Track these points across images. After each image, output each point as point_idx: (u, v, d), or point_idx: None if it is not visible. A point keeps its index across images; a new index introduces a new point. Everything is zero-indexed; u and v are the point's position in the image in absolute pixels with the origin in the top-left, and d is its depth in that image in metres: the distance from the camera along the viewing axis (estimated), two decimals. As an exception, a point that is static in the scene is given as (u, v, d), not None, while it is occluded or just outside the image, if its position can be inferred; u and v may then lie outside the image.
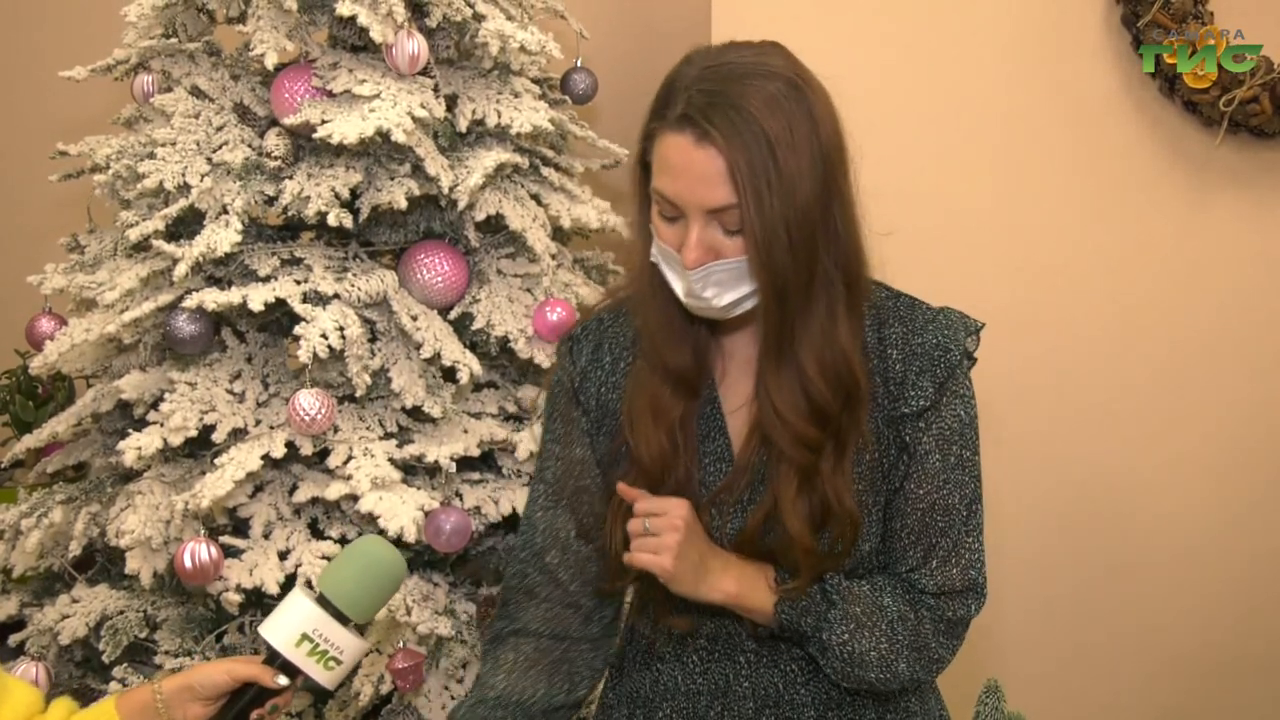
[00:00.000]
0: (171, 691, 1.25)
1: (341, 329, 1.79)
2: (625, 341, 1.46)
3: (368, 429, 1.90)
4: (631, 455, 1.40)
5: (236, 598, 1.79)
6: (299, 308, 1.80)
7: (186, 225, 1.87)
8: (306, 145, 1.91)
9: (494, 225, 2.00)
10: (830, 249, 1.29)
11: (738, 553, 1.39)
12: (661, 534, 1.32)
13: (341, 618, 1.27)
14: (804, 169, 1.25)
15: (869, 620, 1.35)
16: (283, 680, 1.26)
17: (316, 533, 1.89)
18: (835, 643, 1.35)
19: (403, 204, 1.86)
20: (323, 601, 1.28)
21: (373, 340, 1.90)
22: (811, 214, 1.26)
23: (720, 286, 1.30)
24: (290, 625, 1.26)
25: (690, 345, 1.39)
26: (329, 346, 1.77)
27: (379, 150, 1.88)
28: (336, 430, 1.86)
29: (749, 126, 1.23)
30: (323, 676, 1.27)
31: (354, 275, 1.89)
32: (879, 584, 1.38)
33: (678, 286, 1.32)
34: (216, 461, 1.79)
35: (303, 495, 1.85)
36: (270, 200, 1.89)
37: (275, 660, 1.27)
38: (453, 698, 1.93)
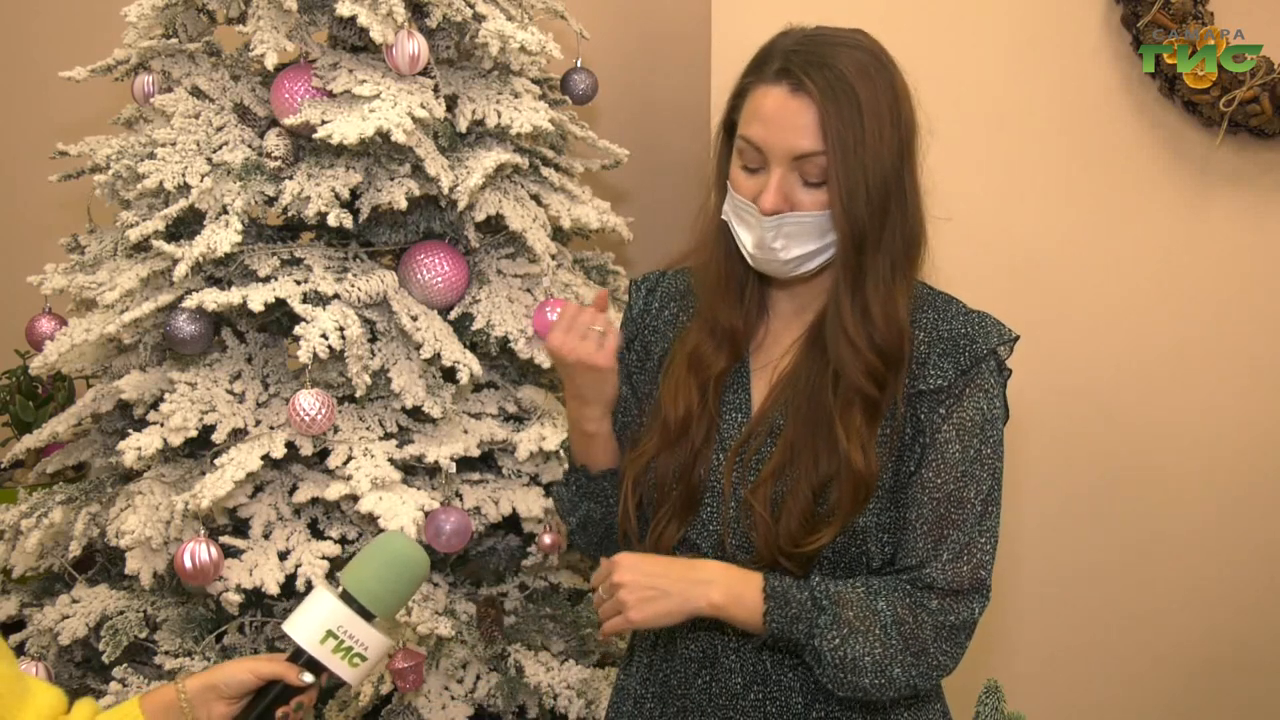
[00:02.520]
0: (196, 690, 1.24)
1: (341, 329, 1.79)
2: (674, 294, 1.54)
3: (368, 429, 1.90)
4: (659, 409, 1.47)
5: (236, 598, 1.79)
6: (299, 308, 1.80)
7: (186, 225, 1.87)
8: (306, 145, 1.91)
9: (494, 225, 2.00)
10: (900, 215, 1.37)
11: (748, 504, 1.39)
12: (613, 594, 1.37)
13: (366, 614, 1.27)
14: (885, 135, 1.34)
15: (862, 625, 1.35)
16: (308, 677, 1.25)
17: (316, 533, 1.89)
18: (827, 649, 1.35)
19: (403, 204, 1.86)
20: (346, 598, 1.27)
21: (373, 340, 1.90)
22: (889, 177, 1.35)
23: (789, 239, 1.36)
24: (315, 622, 1.26)
25: (741, 306, 1.46)
26: (329, 347, 1.77)
27: (379, 150, 1.88)
28: (336, 430, 1.86)
29: (842, 85, 1.32)
30: (348, 673, 1.26)
31: (354, 275, 1.89)
32: (874, 587, 1.37)
33: (748, 239, 1.39)
34: (216, 462, 1.80)
35: (303, 495, 1.85)
36: (270, 200, 1.89)
37: (300, 657, 1.26)
38: (453, 698, 1.93)
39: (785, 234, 1.36)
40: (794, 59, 1.34)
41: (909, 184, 1.39)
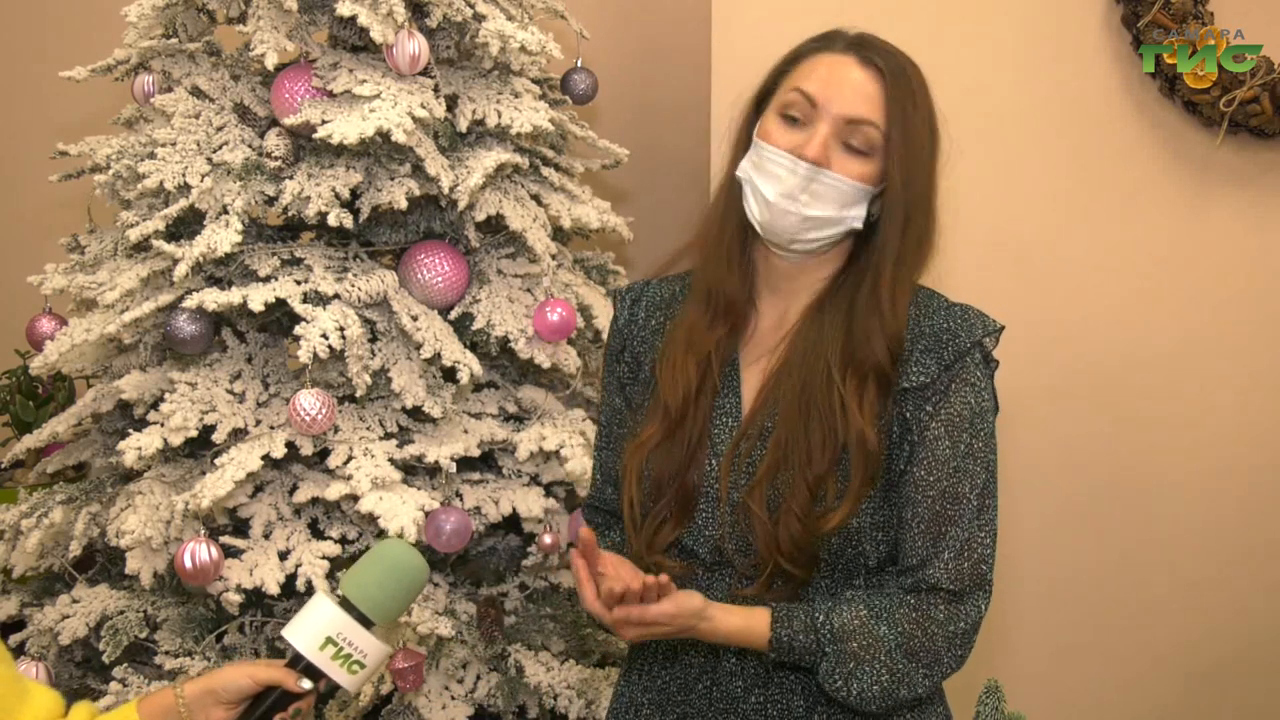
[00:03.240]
0: (194, 695, 1.25)
1: (341, 329, 1.79)
2: (660, 302, 1.55)
3: (368, 429, 1.90)
4: (658, 398, 1.46)
5: (236, 598, 1.79)
6: (299, 308, 1.80)
7: (187, 225, 1.87)
8: (306, 145, 1.91)
9: (494, 225, 2.00)
10: (926, 210, 1.41)
11: (745, 506, 1.39)
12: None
13: (365, 621, 1.27)
14: (926, 130, 1.40)
15: (867, 654, 1.35)
16: (306, 684, 1.26)
17: (316, 533, 1.89)
18: (830, 688, 1.37)
19: (403, 204, 1.86)
20: (346, 605, 1.28)
21: (373, 340, 1.90)
22: (930, 167, 1.41)
23: (815, 197, 1.38)
24: (314, 629, 1.26)
25: (738, 275, 1.46)
26: (329, 346, 1.77)
27: (379, 150, 1.88)
28: (337, 430, 1.86)
29: (903, 72, 1.40)
30: (346, 680, 1.27)
31: (354, 275, 1.89)
32: (877, 609, 1.37)
33: (771, 190, 1.39)
34: (216, 462, 1.79)
35: (303, 495, 1.85)
36: (270, 200, 1.89)
37: (298, 663, 1.26)
38: (453, 698, 1.93)
39: (814, 191, 1.37)
40: (859, 40, 1.41)
41: (934, 185, 1.43)
